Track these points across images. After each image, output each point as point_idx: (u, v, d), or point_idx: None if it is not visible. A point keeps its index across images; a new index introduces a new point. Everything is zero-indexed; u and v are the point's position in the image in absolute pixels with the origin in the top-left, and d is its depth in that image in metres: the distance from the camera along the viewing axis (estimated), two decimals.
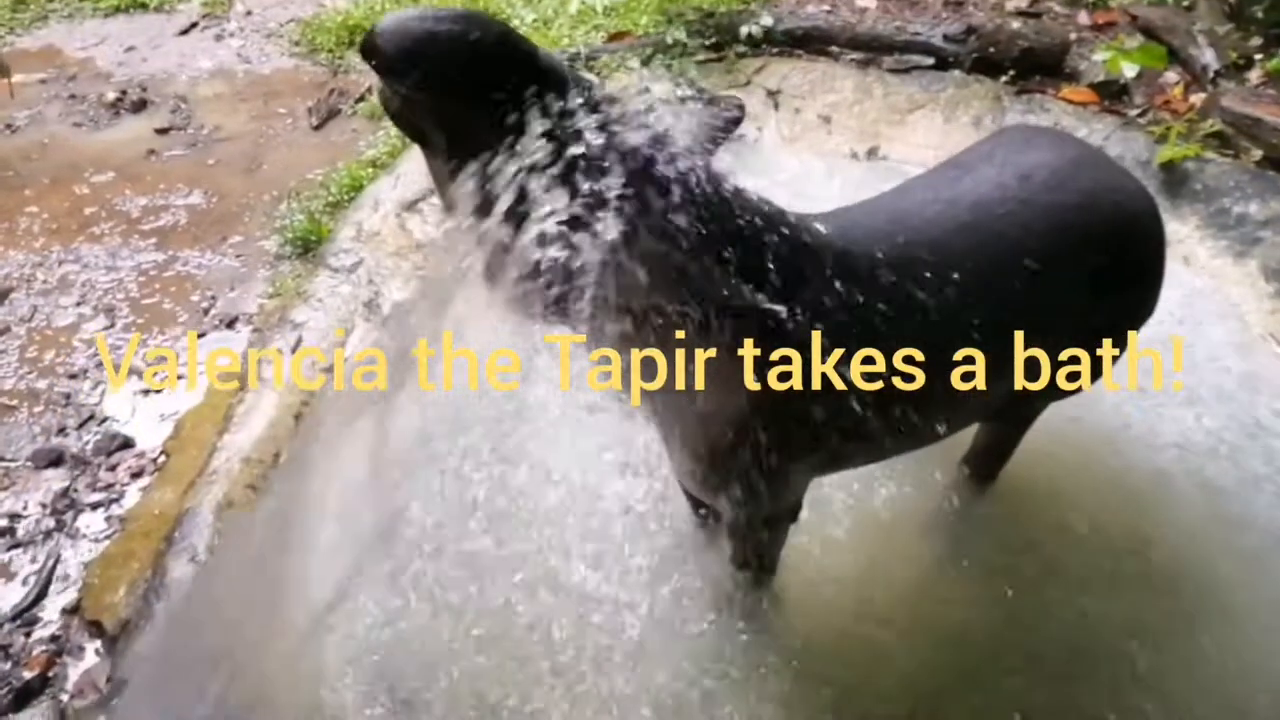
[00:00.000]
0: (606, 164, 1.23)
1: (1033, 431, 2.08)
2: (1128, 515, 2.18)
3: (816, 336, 1.45)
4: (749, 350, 1.42)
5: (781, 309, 1.33)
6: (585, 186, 1.22)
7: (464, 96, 1.25)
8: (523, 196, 1.22)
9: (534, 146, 1.22)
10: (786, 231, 1.45)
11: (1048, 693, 1.91)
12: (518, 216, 1.23)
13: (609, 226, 1.22)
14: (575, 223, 1.22)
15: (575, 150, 1.22)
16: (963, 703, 1.90)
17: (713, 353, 1.41)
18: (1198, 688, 1.90)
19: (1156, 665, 1.93)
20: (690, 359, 1.42)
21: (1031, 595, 2.04)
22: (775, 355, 1.43)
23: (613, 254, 1.23)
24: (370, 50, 1.25)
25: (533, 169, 1.22)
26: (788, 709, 1.89)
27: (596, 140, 1.23)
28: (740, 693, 1.90)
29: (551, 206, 1.21)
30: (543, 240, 1.22)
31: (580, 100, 1.26)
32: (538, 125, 1.22)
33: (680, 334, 1.37)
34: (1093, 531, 2.14)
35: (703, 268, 1.31)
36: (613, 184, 1.23)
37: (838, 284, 1.48)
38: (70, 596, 2.17)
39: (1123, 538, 2.14)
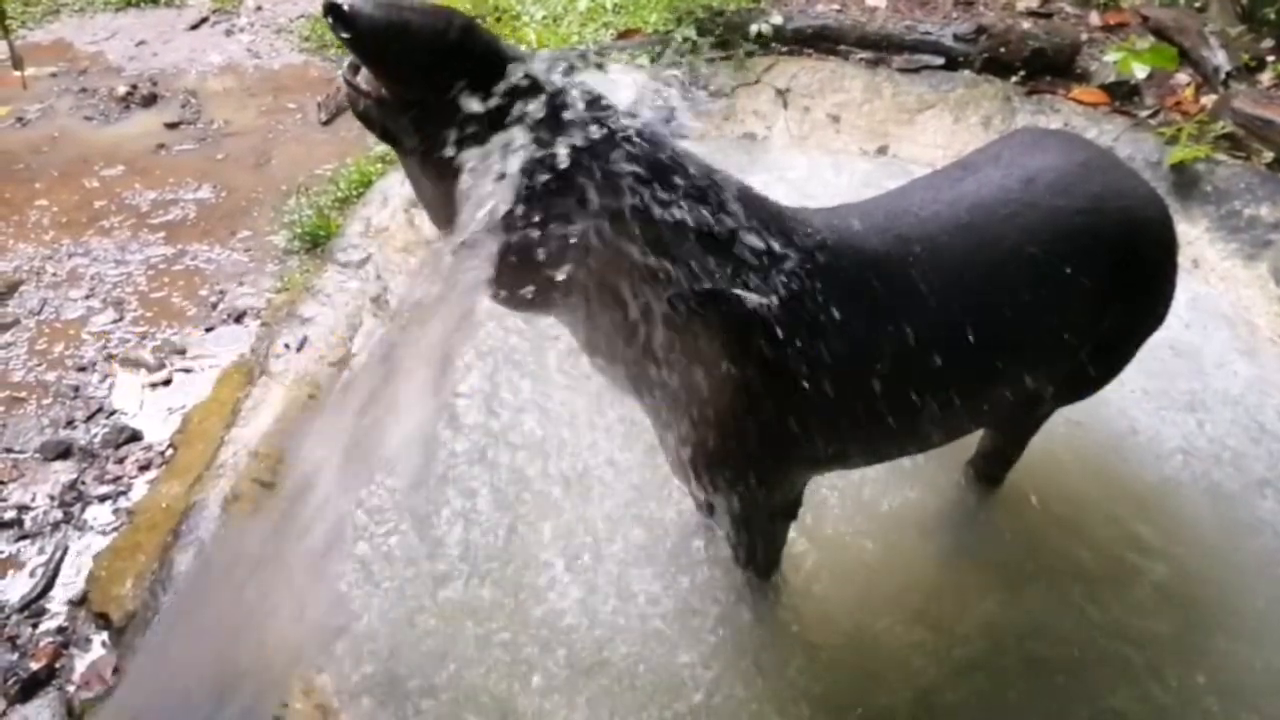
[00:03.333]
0: (572, 150, 1.25)
1: (1038, 436, 2.08)
2: (1134, 519, 2.17)
3: (794, 329, 1.44)
4: (731, 343, 1.42)
5: (752, 298, 1.32)
6: (551, 172, 1.24)
7: (428, 85, 1.27)
8: (492, 183, 1.24)
9: (500, 135, 1.24)
10: (762, 218, 1.43)
11: (1052, 693, 1.91)
12: (487, 202, 1.24)
13: (576, 210, 1.24)
14: (542, 205, 1.24)
15: (542, 138, 1.25)
16: (966, 701, 1.90)
17: (691, 343, 1.41)
18: (1206, 690, 1.90)
19: (1163, 668, 1.93)
20: (671, 352, 1.42)
21: (1036, 598, 2.05)
22: (754, 347, 1.42)
23: (581, 235, 1.25)
24: (342, 21, 1.25)
25: (501, 155, 1.24)
26: (793, 701, 1.89)
27: (563, 127, 1.26)
28: (747, 685, 1.91)
29: (517, 192, 1.23)
30: (509, 224, 1.24)
31: (549, 89, 1.28)
32: (504, 114, 1.25)
33: (659, 326, 1.37)
34: (1099, 535, 2.14)
35: (672, 248, 1.31)
36: (578, 168, 1.25)
37: (821, 275, 1.47)
38: (77, 588, 2.18)
39: (1129, 542, 2.13)
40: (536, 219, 1.25)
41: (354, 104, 1.36)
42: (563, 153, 1.25)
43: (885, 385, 1.52)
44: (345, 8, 1.23)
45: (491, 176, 1.23)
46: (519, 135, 1.24)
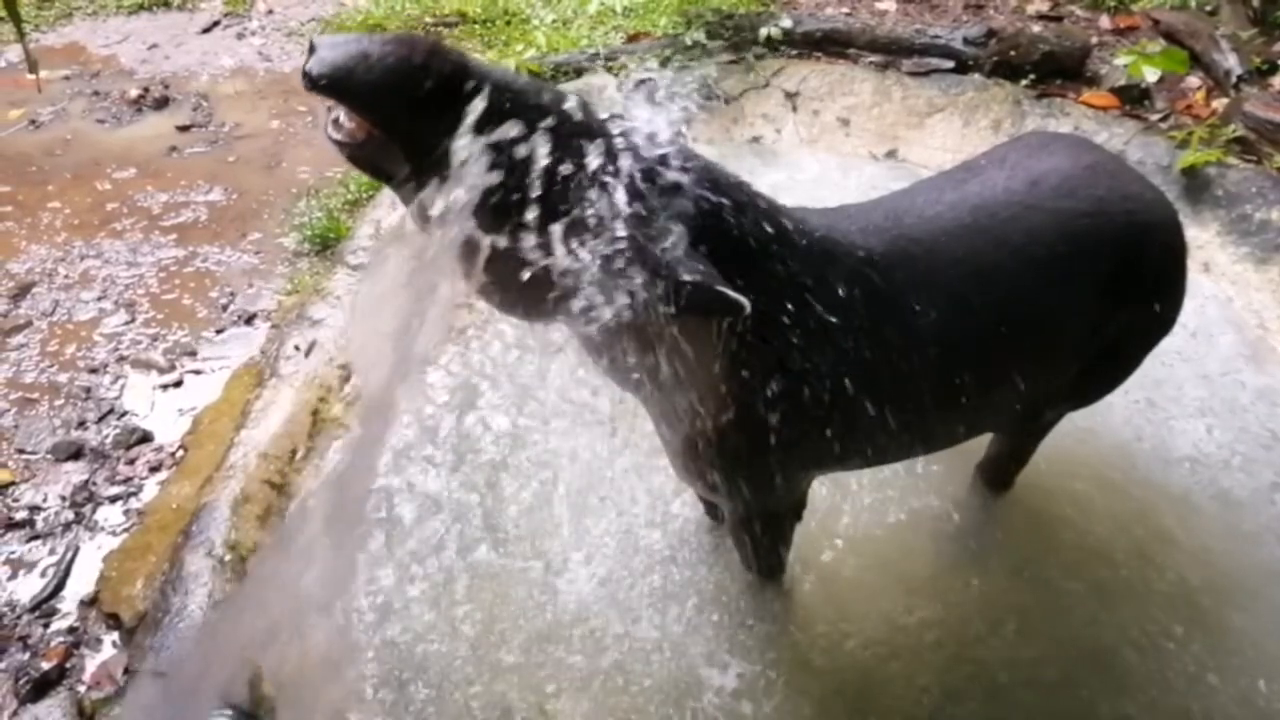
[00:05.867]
0: (560, 159, 1.24)
1: (1047, 441, 2.07)
2: (1141, 526, 2.17)
3: (789, 328, 1.43)
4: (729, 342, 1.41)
5: (736, 295, 1.29)
6: (541, 181, 1.24)
7: (404, 112, 1.26)
8: (480, 198, 1.24)
9: (482, 149, 1.24)
10: (759, 215, 1.42)
11: (1058, 699, 1.90)
12: (479, 216, 1.25)
13: (565, 218, 1.24)
14: (535, 215, 1.24)
15: (526, 150, 1.24)
16: (972, 706, 1.90)
17: (685, 341, 1.40)
18: (1213, 698, 1.90)
19: (1171, 676, 1.93)
20: (667, 350, 1.42)
21: (1044, 603, 2.04)
22: (746, 345, 1.41)
23: (573, 238, 1.25)
24: (306, 76, 1.25)
25: (485, 170, 1.23)
26: (797, 705, 1.89)
27: (550, 137, 1.25)
28: (750, 688, 1.91)
29: (511, 200, 1.24)
30: (506, 235, 1.25)
31: (532, 101, 1.27)
32: (482, 130, 1.24)
33: (654, 323, 1.37)
34: (1106, 541, 2.14)
35: (666, 244, 1.30)
36: (569, 177, 1.25)
37: (820, 274, 1.46)
38: (88, 588, 2.19)
39: (1136, 548, 2.13)
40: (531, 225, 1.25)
41: (341, 149, 1.36)
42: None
43: (885, 387, 1.51)
44: (307, 67, 1.23)
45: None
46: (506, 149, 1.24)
